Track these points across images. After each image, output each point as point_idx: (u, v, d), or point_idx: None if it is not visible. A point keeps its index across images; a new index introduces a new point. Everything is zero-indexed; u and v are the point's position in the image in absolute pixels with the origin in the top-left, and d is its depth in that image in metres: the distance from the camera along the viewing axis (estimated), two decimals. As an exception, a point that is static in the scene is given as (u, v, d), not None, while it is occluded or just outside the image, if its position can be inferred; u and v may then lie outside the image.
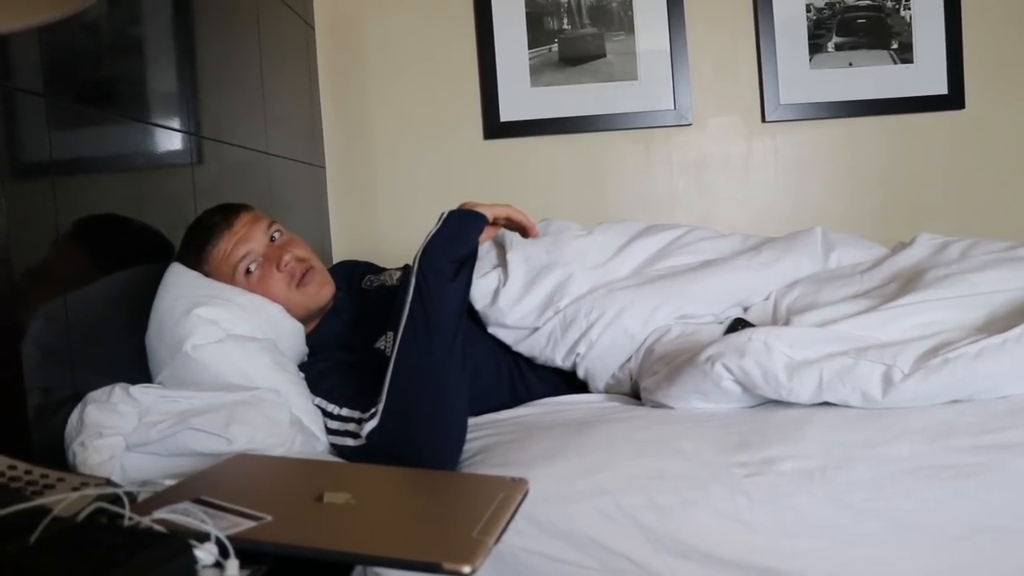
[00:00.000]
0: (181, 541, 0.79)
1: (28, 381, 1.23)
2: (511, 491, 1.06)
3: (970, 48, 2.91)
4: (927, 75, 2.92)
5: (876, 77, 2.92)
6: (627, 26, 2.94)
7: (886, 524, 1.25)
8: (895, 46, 2.92)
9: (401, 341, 1.50)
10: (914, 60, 2.91)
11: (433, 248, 1.58)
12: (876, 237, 2.14)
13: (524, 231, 1.75)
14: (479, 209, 1.66)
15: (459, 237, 1.61)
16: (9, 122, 1.26)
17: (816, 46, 2.92)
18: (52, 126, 1.36)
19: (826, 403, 1.44)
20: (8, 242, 1.21)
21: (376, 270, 2.04)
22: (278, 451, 1.37)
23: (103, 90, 1.56)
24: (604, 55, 2.95)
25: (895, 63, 2.92)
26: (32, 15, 0.90)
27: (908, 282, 1.71)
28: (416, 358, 1.48)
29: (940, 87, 2.92)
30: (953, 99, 2.92)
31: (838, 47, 2.92)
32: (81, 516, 0.88)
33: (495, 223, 1.71)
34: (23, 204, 1.26)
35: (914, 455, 1.30)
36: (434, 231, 1.61)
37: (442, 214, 1.64)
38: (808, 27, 2.92)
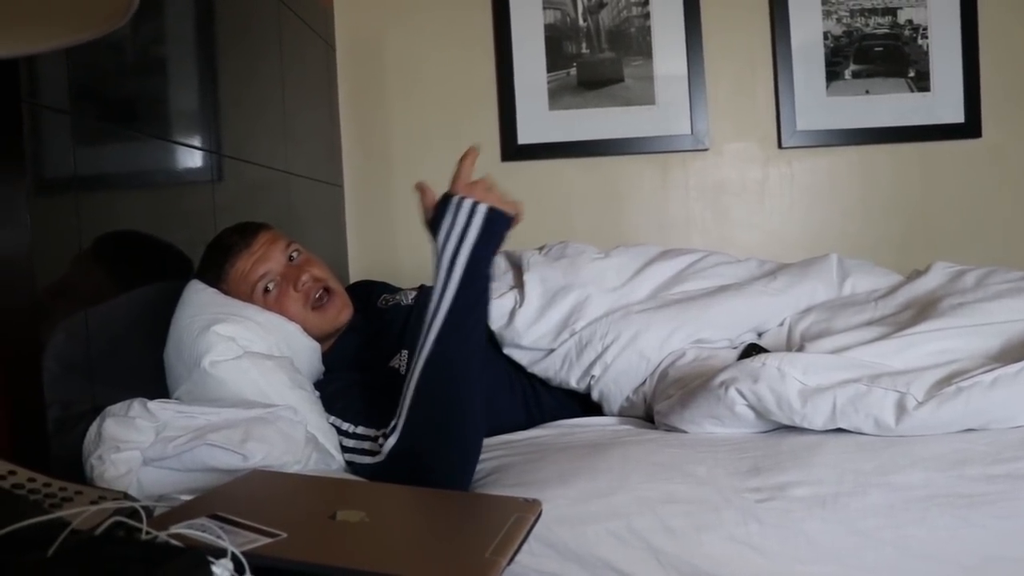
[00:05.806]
0: (199, 556, 0.79)
1: (48, 395, 1.25)
2: (525, 512, 1.06)
3: (987, 77, 2.92)
4: (944, 104, 2.92)
5: (893, 105, 2.93)
6: (645, 51, 2.96)
7: (898, 552, 1.24)
8: (912, 74, 2.92)
9: (428, 358, 1.45)
10: (931, 89, 2.92)
11: (479, 257, 1.49)
12: (891, 265, 2.14)
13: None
14: (505, 209, 1.54)
15: (494, 241, 1.53)
16: (35, 139, 1.27)
17: (833, 73, 2.93)
18: (76, 143, 1.37)
19: (839, 429, 1.44)
20: (31, 257, 1.23)
21: (392, 290, 2.05)
22: (293, 468, 1.38)
23: (127, 108, 1.58)
24: (622, 79, 2.97)
25: (912, 91, 2.93)
26: (60, 37, 0.91)
27: (923, 310, 1.71)
28: (445, 375, 1.46)
29: (957, 116, 2.92)
30: (970, 128, 2.92)
31: (855, 75, 2.93)
32: (99, 530, 0.88)
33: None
34: (46, 220, 1.28)
35: (927, 483, 1.29)
36: (476, 236, 1.50)
37: (469, 204, 1.53)
38: (825, 54, 2.93)
